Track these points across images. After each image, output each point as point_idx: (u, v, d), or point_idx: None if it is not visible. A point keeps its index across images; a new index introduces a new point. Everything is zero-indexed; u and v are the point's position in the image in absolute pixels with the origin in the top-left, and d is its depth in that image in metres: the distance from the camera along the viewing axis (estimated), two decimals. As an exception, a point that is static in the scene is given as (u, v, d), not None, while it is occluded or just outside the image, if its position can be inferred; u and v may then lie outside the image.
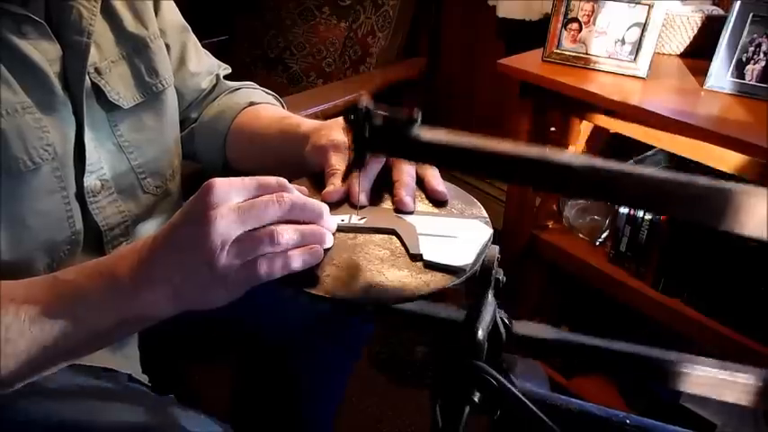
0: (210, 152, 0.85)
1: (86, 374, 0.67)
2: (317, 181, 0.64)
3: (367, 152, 0.50)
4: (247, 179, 0.51)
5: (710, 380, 0.48)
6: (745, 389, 0.47)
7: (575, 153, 1.37)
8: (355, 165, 0.53)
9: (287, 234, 0.49)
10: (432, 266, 0.51)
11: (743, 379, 0.47)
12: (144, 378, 0.74)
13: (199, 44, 0.87)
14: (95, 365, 0.69)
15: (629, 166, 0.40)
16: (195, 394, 1.07)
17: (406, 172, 0.61)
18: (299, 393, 0.95)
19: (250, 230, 0.49)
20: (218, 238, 0.47)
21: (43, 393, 0.61)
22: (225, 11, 2.01)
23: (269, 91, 0.92)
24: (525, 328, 0.52)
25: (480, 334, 0.47)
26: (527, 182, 0.45)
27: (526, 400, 0.46)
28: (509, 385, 0.46)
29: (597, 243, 1.34)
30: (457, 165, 0.47)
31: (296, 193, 0.52)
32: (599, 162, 0.40)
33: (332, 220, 0.55)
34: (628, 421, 0.48)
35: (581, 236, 1.37)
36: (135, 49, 0.73)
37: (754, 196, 0.36)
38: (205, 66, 0.87)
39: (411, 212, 0.59)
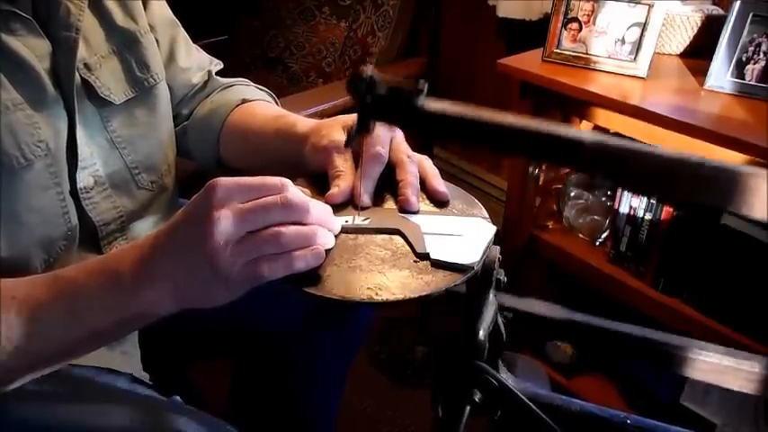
0: (204, 150, 0.85)
1: (88, 376, 0.67)
2: (315, 180, 0.64)
3: (371, 119, 0.49)
4: (251, 179, 0.51)
5: (715, 366, 0.47)
6: (750, 377, 0.47)
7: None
8: (359, 131, 0.51)
9: (289, 235, 0.49)
10: (438, 265, 0.51)
11: (747, 366, 0.47)
12: (145, 376, 0.74)
13: (189, 39, 0.86)
14: (96, 366, 0.68)
15: (639, 145, 0.39)
16: (196, 391, 1.07)
17: (411, 172, 0.61)
18: (298, 391, 0.95)
19: (253, 231, 0.49)
20: (220, 238, 0.47)
21: (44, 396, 0.61)
22: (225, 11, 2.01)
23: (262, 87, 0.92)
24: (533, 306, 0.52)
25: (481, 334, 0.47)
26: (535, 155, 0.44)
27: (527, 400, 0.46)
28: (510, 385, 0.47)
29: (597, 243, 1.34)
30: (463, 136, 0.46)
31: (299, 195, 0.52)
32: (609, 138, 0.39)
33: (335, 222, 0.55)
34: (628, 421, 0.48)
35: (581, 236, 1.37)
36: (125, 44, 0.73)
37: (763, 178, 0.36)
38: (195, 61, 0.87)
39: (416, 212, 0.59)
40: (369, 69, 0.46)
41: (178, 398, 0.68)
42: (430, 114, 0.45)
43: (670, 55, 1.23)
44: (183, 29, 0.85)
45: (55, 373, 0.57)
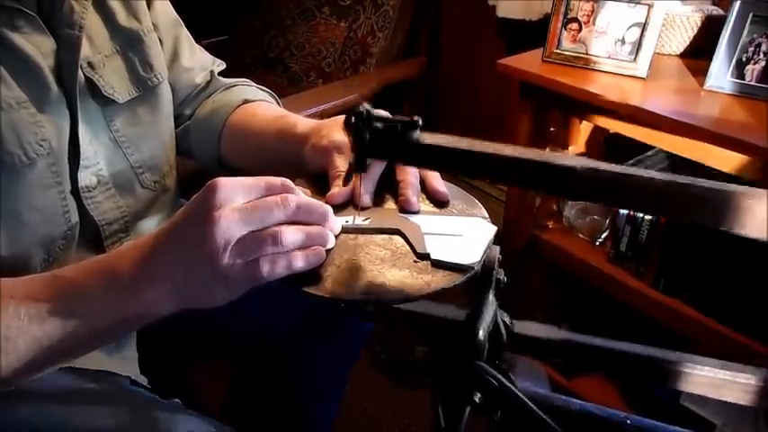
0: (205, 149, 0.85)
1: (86, 379, 0.66)
2: (315, 181, 0.64)
3: (368, 157, 0.50)
4: (252, 179, 0.51)
5: (711, 380, 0.48)
6: (746, 388, 0.47)
7: (576, 155, 1.38)
8: (356, 169, 0.52)
9: (290, 235, 0.49)
10: (439, 265, 0.51)
11: (743, 379, 0.47)
12: (143, 380, 0.74)
13: (192, 39, 0.86)
14: (95, 369, 0.68)
15: (630, 169, 0.40)
16: (195, 393, 1.07)
17: (411, 172, 0.61)
18: (298, 393, 0.95)
19: (253, 231, 0.49)
20: (220, 238, 0.47)
21: (43, 399, 0.60)
22: (225, 11, 2.01)
23: (264, 87, 0.92)
24: (526, 328, 0.52)
25: (481, 334, 0.47)
26: (528, 185, 0.45)
27: (527, 401, 0.46)
28: (510, 385, 0.47)
29: (597, 243, 1.34)
30: (459, 168, 0.47)
31: (300, 195, 0.52)
32: (600, 165, 0.40)
33: (336, 222, 0.55)
34: (628, 421, 0.48)
35: (581, 236, 1.37)
36: (129, 43, 0.73)
37: (755, 198, 0.36)
38: (198, 61, 0.87)
39: (416, 212, 0.59)
40: (364, 105, 0.46)
41: (178, 400, 0.68)
42: (425, 148, 0.46)
43: (670, 55, 1.23)
44: (186, 29, 0.85)
45: (53, 375, 0.57)
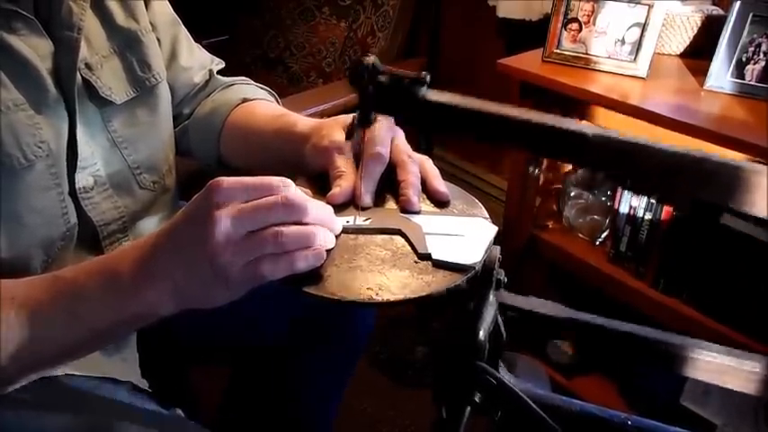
0: (205, 149, 0.85)
1: (87, 386, 0.66)
2: (316, 180, 0.64)
3: (372, 111, 0.49)
4: (252, 179, 0.51)
5: (716, 366, 0.47)
6: (750, 377, 0.47)
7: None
8: (361, 123, 0.51)
9: (290, 235, 0.49)
10: (440, 265, 0.51)
11: (748, 366, 0.46)
12: (144, 383, 0.73)
13: (191, 38, 0.86)
14: (95, 376, 0.67)
15: (641, 139, 0.39)
16: (196, 396, 1.06)
17: (412, 172, 0.61)
18: (298, 394, 0.95)
19: (254, 231, 0.49)
20: (221, 238, 0.47)
21: (44, 409, 0.60)
22: (225, 11, 2.01)
23: (262, 86, 0.91)
24: (535, 305, 0.52)
25: (481, 334, 0.47)
26: (537, 148, 0.43)
27: (528, 401, 0.46)
28: (510, 385, 0.47)
29: (597, 243, 1.34)
30: (465, 128, 0.45)
31: (300, 194, 0.52)
32: (613, 133, 0.39)
33: (336, 222, 0.55)
34: (629, 422, 0.48)
35: (581, 236, 1.37)
36: (126, 44, 0.73)
37: (764, 175, 0.36)
38: (197, 60, 0.87)
39: (417, 212, 0.59)
40: (370, 57, 0.45)
41: (179, 411, 0.68)
42: (432, 105, 0.44)
43: (670, 55, 1.23)
44: (184, 28, 0.85)
45: (54, 383, 0.56)
